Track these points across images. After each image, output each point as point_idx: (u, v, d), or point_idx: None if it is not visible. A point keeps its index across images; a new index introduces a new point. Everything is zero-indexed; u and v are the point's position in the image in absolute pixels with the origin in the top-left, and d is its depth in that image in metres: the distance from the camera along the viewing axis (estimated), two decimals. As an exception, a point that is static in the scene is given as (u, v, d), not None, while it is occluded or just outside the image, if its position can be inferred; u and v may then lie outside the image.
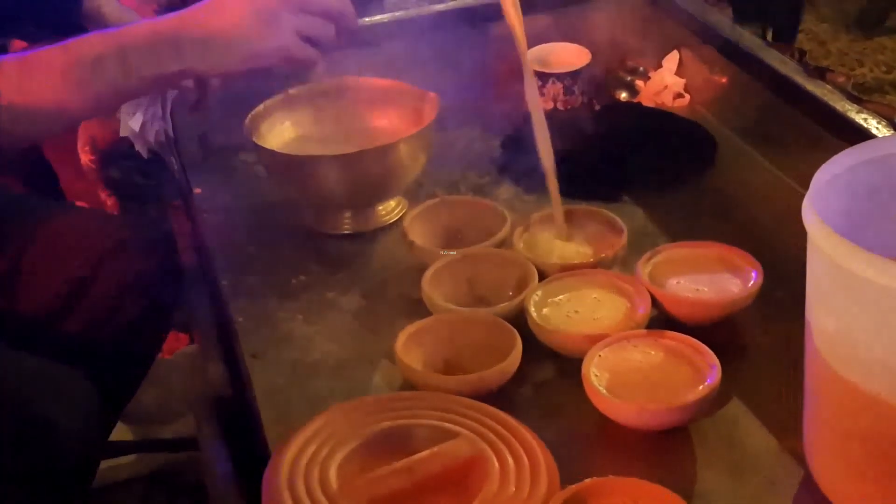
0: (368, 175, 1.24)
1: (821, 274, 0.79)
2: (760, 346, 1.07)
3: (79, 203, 1.73)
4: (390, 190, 1.30)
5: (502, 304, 1.08)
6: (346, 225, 1.30)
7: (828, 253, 0.75)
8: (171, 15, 1.09)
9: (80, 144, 1.60)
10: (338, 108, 1.36)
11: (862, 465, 0.81)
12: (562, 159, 1.35)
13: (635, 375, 0.98)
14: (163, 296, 1.40)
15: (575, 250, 1.17)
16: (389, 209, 1.32)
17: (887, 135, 1.15)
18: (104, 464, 1.59)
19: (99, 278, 1.33)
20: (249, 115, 1.31)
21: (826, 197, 0.80)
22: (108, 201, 1.67)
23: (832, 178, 0.82)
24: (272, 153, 1.27)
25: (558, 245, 1.18)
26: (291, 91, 1.36)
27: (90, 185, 1.68)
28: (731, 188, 1.33)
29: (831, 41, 1.38)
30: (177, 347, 1.82)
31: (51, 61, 1.04)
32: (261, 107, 1.33)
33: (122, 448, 1.71)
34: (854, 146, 0.84)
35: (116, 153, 1.59)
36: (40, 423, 1.15)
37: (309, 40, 1.09)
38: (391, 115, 1.35)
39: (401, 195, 1.33)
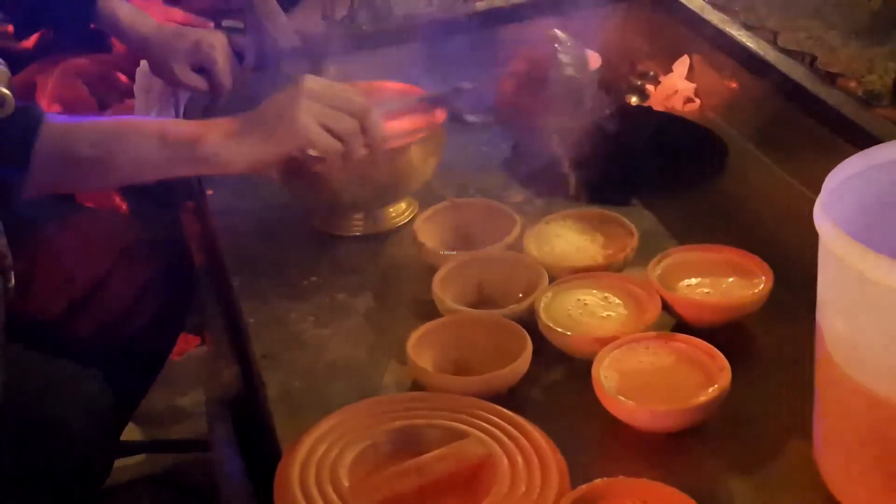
0: (379, 178, 1.25)
1: (831, 277, 0.80)
2: (770, 348, 1.07)
3: (91, 205, 1.74)
4: (401, 192, 1.31)
5: (512, 306, 1.09)
6: (357, 227, 1.30)
7: (839, 256, 0.76)
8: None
9: None
10: None
11: (871, 467, 0.81)
12: (572, 163, 1.37)
13: (645, 377, 0.98)
14: (175, 297, 1.41)
15: (586, 252, 1.17)
16: (400, 211, 1.32)
17: (897, 140, 1.15)
18: (115, 463, 1.60)
19: (112, 280, 1.34)
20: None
21: (837, 200, 0.81)
22: (122, 204, 1.67)
23: (843, 181, 0.82)
24: None
25: (570, 247, 1.18)
26: None
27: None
28: (740, 192, 1.33)
29: (841, 48, 1.38)
30: (187, 349, 1.83)
31: (99, 121, 1.13)
32: None
33: (131, 448, 1.71)
34: (864, 150, 0.85)
35: None
36: (54, 423, 1.16)
37: (331, 132, 1.11)
38: (402, 118, 1.35)
39: (411, 198, 1.34)
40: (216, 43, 1.40)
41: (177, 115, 1.47)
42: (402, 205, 1.33)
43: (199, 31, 1.42)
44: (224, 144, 1.09)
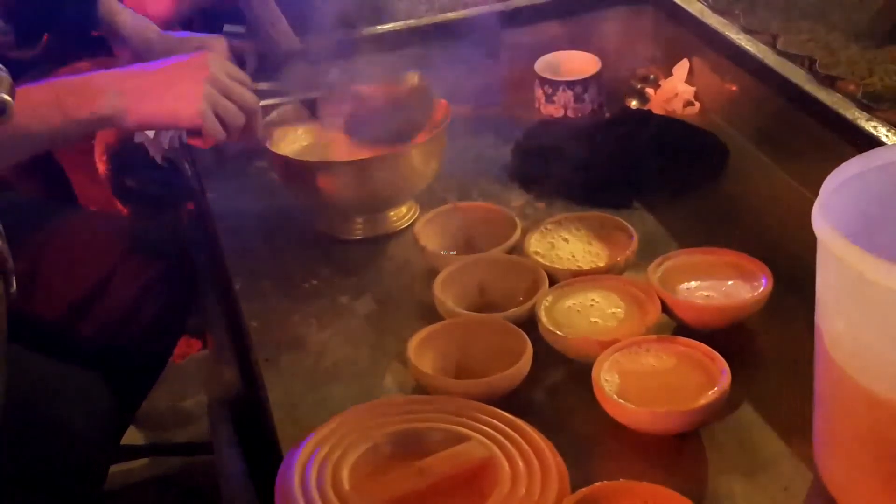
0: (380, 181, 1.25)
1: (831, 279, 0.80)
2: (771, 351, 1.07)
3: (92, 208, 1.75)
4: (402, 196, 1.31)
5: (513, 309, 1.09)
6: (359, 230, 1.31)
7: (838, 258, 0.76)
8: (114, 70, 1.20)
9: (97, 154, 1.62)
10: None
11: (872, 468, 0.81)
12: (573, 167, 1.37)
13: (646, 380, 0.98)
14: (175, 299, 1.41)
15: (587, 255, 1.18)
16: (401, 215, 1.32)
17: (896, 142, 1.15)
18: (118, 467, 1.60)
19: (114, 282, 1.35)
20: (263, 122, 1.32)
21: (836, 203, 0.81)
22: (122, 206, 1.68)
23: (841, 184, 0.83)
24: (285, 159, 1.28)
25: (570, 250, 1.19)
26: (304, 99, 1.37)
27: (104, 191, 1.69)
28: (741, 195, 1.33)
29: (841, 50, 1.38)
30: (189, 352, 1.83)
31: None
32: (274, 114, 1.34)
33: (135, 452, 1.72)
34: (863, 153, 0.85)
35: (132, 160, 1.61)
36: (55, 424, 1.16)
37: (221, 120, 1.17)
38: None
39: (413, 201, 1.34)
40: (218, 48, 1.40)
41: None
42: (403, 208, 1.33)
43: (201, 37, 1.43)
44: (122, 104, 1.14)
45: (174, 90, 1.15)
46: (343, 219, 1.31)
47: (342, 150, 1.32)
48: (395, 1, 1.73)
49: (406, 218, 1.32)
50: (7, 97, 0.89)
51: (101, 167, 1.63)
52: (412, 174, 1.28)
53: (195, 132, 1.25)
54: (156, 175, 1.63)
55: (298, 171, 1.27)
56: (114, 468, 1.48)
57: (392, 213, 1.32)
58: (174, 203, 1.56)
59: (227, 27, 1.53)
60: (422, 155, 1.27)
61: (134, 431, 1.69)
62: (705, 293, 1.09)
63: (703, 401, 0.94)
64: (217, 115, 1.16)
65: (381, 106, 1.30)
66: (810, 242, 0.81)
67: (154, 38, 1.43)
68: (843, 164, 0.83)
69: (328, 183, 1.25)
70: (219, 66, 1.17)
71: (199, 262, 1.35)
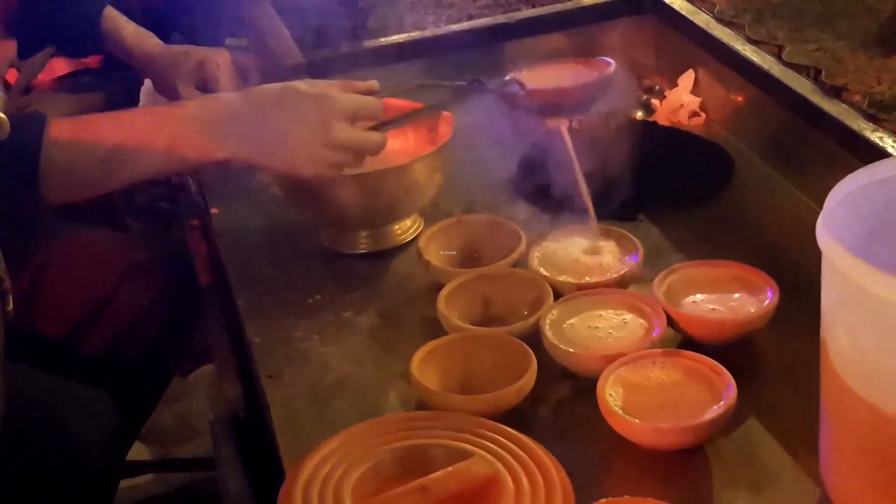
0: (384, 195, 1.25)
1: (835, 292, 0.79)
2: (777, 365, 1.06)
3: (96, 224, 1.75)
4: (406, 209, 1.31)
5: (518, 324, 1.08)
6: (363, 244, 1.30)
7: (842, 271, 0.75)
8: (227, 99, 1.15)
9: None
10: None
11: (878, 484, 0.81)
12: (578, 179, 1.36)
13: (651, 395, 0.97)
14: (181, 315, 1.41)
15: (591, 268, 1.17)
16: (405, 228, 1.32)
17: (902, 153, 1.15)
18: (123, 483, 1.60)
19: (118, 299, 1.35)
20: None
21: (840, 216, 0.80)
22: (128, 223, 1.68)
23: (845, 196, 0.82)
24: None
25: (575, 263, 1.18)
26: None
27: (111, 207, 1.70)
28: (747, 207, 1.32)
29: (849, 59, 1.38)
30: (195, 368, 1.83)
31: (100, 134, 1.10)
32: None
33: (140, 467, 1.71)
34: (867, 165, 0.84)
35: None
36: (60, 442, 1.16)
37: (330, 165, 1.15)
38: (407, 134, 1.35)
39: (417, 214, 1.33)
40: (220, 62, 1.40)
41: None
42: (408, 221, 1.33)
43: (203, 50, 1.43)
44: (237, 153, 1.11)
45: (294, 151, 1.12)
46: (347, 233, 1.31)
47: None
48: (403, 13, 1.74)
49: (410, 231, 1.32)
50: (2, 116, 0.89)
51: None
52: (416, 188, 1.28)
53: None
54: (164, 191, 1.64)
55: (301, 186, 1.27)
56: (121, 484, 1.48)
57: (396, 227, 1.32)
58: (179, 219, 1.56)
59: (228, 41, 1.53)
60: (425, 168, 1.27)
61: (139, 446, 1.69)
62: (711, 306, 1.08)
63: (708, 416, 0.93)
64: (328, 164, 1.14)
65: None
66: (816, 255, 0.81)
67: (156, 51, 1.43)
68: (847, 177, 0.82)
69: (332, 197, 1.25)
70: (341, 118, 1.12)
71: (203, 278, 1.35)
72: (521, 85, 1.26)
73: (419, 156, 1.26)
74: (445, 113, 1.32)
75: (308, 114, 1.11)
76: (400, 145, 1.34)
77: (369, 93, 1.17)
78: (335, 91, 1.13)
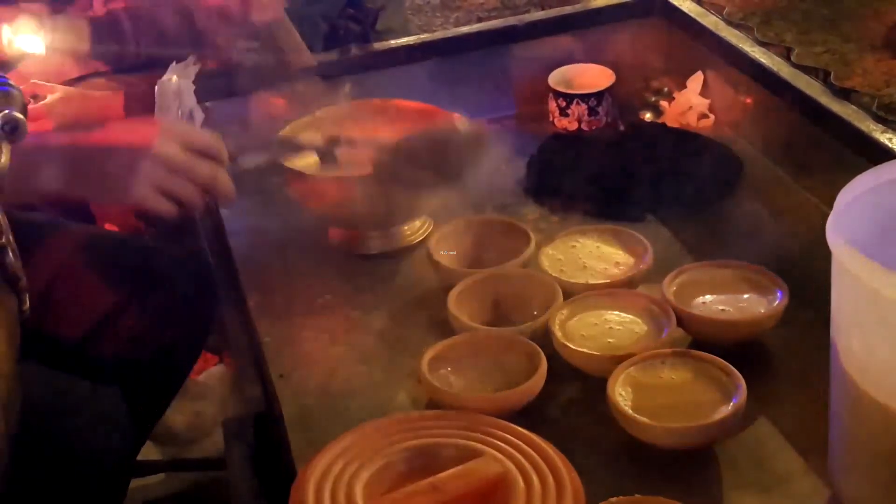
0: (394, 195, 1.25)
1: (846, 293, 0.80)
2: (788, 367, 1.06)
3: (109, 226, 1.75)
4: (416, 211, 1.31)
5: (527, 324, 1.09)
6: (373, 245, 1.31)
7: (852, 273, 0.75)
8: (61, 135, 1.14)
9: None
10: (364, 131, 1.38)
11: (888, 485, 0.81)
12: (587, 180, 1.37)
13: (661, 395, 0.98)
14: (196, 318, 1.41)
15: (601, 269, 1.17)
16: (415, 229, 1.32)
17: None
18: (135, 483, 1.60)
19: (133, 303, 1.34)
20: (277, 137, 1.33)
21: (850, 217, 0.81)
22: (140, 225, 1.68)
23: (855, 198, 0.82)
24: (300, 174, 1.28)
25: (584, 263, 1.18)
26: (318, 113, 1.37)
27: (124, 210, 1.70)
28: (756, 208, 1.33)
29: (857, 61, 1.38)
30: (205, 368, 1.83)
31: None
32: (287, 128, 1.34)
33: (151, 467, 1.72)
34: (876, 167, 0.85)
35: None
36: (71, 442, 1.16)
37: (170, 196, 1.11)
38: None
39: (427, 215, 1.34)
40: None
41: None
42: (417, 222, 1.33)
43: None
44: (62, 184, 1.09)
45: (113, 173, 1.09)
46: (358, 234, 1.32)
47: (356, 165, 1.32)
48: (411, 17, 1.74)
49: (420, 232, 1.32)
50: (19, 115, 0.89)
51: None
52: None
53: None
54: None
55: (313, 187, 1.27)
56: (131, 484, 1.48)
57: (406, 228, 1.32)
58: (191, 221, 1.56)
59: (240, 43, 1.53)
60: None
61: (150, 447, 1.69)
62: (720, 307, 1.08)
63: (718, 416, 0.94)
64: (165, 192, 1.10)
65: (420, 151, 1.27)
66: (825, 256, 0.81)
67: None
68: (856, 178, 0.83)
69: (343, 198, 1.26)
70: (167, 138, 1.10)
71: (217, 279, 1.35)
72: (351, 143, 1.29)
73: None
74: (456, 114, 1.33)
75: (134, 132, 1.11)
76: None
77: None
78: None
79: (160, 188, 1.09)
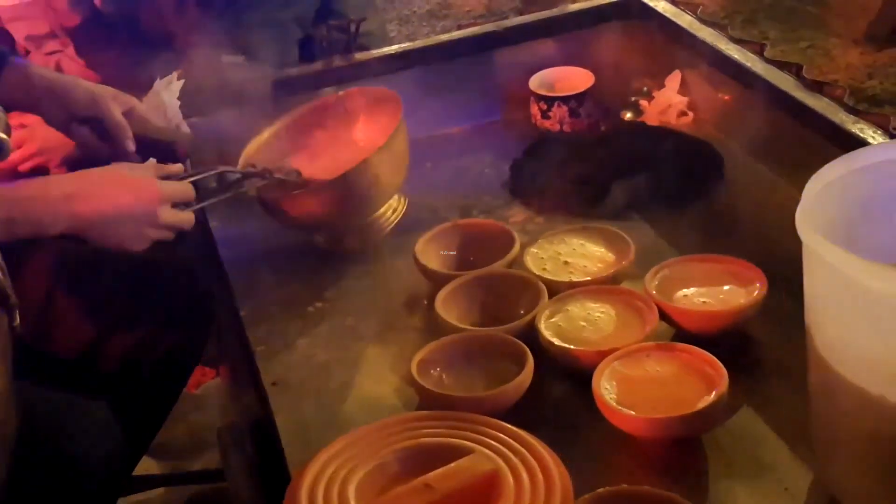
0: (357, 191, 1.27)
1: (817, 281, 0.81)
2: (771, 357, 1.08)
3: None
4: (381, 199, 1.32)
5: (513, 323, 1.11)
6: (357, 240, 1.32)
7: (823, 260, 0.77)
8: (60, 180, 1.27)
9: None
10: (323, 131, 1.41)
11: (867, 465, 0.83)
12: (571, 180, 1.39)
13: (646, 387, 0.99)
14: (192, 332, 1.42)
15: (585, 267, 1.19)
16: (390, 213, 1.34)
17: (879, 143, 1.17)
18: (134, 498, 1.62)
19: (129, 318, 1.35)
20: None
21: (819, 206, 0.82)
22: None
23: (825, 186, 0.84)
24: (260, 196, 1.31)
25: (568, 262, 1.20)
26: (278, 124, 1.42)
27: None
28: (737, 202, 1.34)
29: (841, 55, 1.40)
30: (203, 381, 1.84)
31: None
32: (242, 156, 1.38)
33: (150, 482, 1.73)
34: (844, 155, 0.86)
35: None
36: (67, 458, 1.17)
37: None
38: (359, 128, 1.41)
39: (397, 195, 1.34)
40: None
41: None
42: (392, 201, 1.34)
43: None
44: (69, 227, 1.22)
45: (123, 231, 1.25)
46: (337, 234, 1.33)
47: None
48: (398, 25, 1.75)
49: (397, 212, 1.33)
50: (3, 136, 0.91)
51: None
52: (380, 181, 1.28)
53: None
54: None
55: (276, 203, 1.30)
56: (130, 499, 1.49)
57: (379, 215, 1.33)
58: (185, 234, 1.57)
59: (225, 57, 1.55)
60: (384, 159, 1.27)
61: (148, 461, 1.70)
62: (702, 299, 1.10)
63: (701, 405, 0.95)
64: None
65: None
66: (804, 245, 0.82)
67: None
68: (824, 168, 0.84)
69: (314, 205, 1.28)
70: (164, 203, 1.25)
71: (212, 290, 1.37)
72: (298, 173, 1.34)
73: (377, 147, 1.27)
74: (388, 91, 1.36)
75: (136, 199, 1.24)
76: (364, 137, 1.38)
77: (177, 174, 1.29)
78: (153, 176, 1.27)
79: (151, 240, 1.26)
